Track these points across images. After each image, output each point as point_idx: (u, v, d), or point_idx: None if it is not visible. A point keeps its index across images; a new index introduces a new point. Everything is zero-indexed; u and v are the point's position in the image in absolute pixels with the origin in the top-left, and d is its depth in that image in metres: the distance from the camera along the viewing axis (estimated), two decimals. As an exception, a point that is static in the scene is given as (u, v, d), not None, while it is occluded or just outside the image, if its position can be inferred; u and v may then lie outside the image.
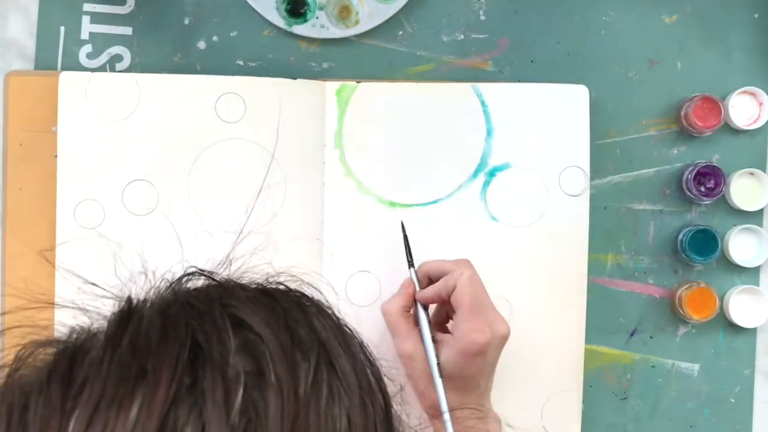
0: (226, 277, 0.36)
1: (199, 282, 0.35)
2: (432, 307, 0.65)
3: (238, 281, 0.36)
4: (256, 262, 0.38)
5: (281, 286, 0.36)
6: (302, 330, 0.32)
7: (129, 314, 0.32)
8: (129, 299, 0.34)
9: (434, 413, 0.60)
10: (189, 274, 0.35)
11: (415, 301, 0.64)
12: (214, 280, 0.35)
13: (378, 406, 0.33)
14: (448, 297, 0.62)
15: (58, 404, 0.29)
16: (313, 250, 0.70)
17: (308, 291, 0.36)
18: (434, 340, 0.61)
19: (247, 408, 0.28)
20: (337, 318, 0.35)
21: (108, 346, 0.30)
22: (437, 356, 0.60)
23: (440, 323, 0.65)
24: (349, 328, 0.35)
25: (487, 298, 0.62)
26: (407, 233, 0.67)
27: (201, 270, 0.35)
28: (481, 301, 0.61)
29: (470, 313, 0.60)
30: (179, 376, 0.29)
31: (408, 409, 0.36)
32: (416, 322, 0.63)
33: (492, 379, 0.62)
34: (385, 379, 0.35)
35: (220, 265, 0.38)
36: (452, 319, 0.62)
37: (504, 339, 0.61)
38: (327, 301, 0.35)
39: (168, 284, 0.35)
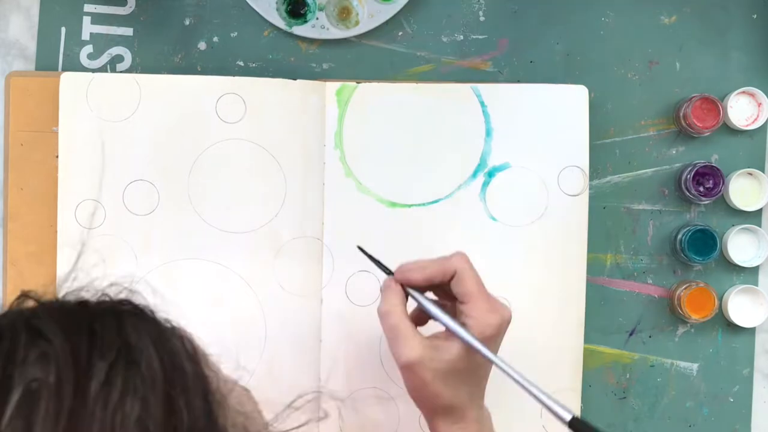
0: (67, 294, 0.38)
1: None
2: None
3: (67, 299, 0.37)
4: (96, 275, 0.39)
5: (106, 298, 0.37)
6: (107, 333, 0.34)
7: None
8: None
9: (437, 411, 0.56)
10: (20, 297, 0.36)
11: (406, 294, 0.58)
12: (37, 301, 0.36)
13: (196, 398, 0.34)
14: (441, 281, 0.57)
15: None
16: (313, 250, 0.70)
17: (137, 298, 0.37)
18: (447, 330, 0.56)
19: (20, 413, 0.30)
20: (154, 317, 0.36)
21: None
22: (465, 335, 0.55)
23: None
24: (171, 325, 0.36)
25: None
26: (369, 253, 0.61)
27: (26, 293, 0.36)
28: (484, 285, 0.57)
29: (481, 295, 0.55)
30: None
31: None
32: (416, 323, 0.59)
33: (488, 374, 0.59)
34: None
35: (63, 281, 0.39)
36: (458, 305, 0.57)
37: (509, 322, 0.57)
38: (149, 304, 0.37)
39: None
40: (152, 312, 0.36)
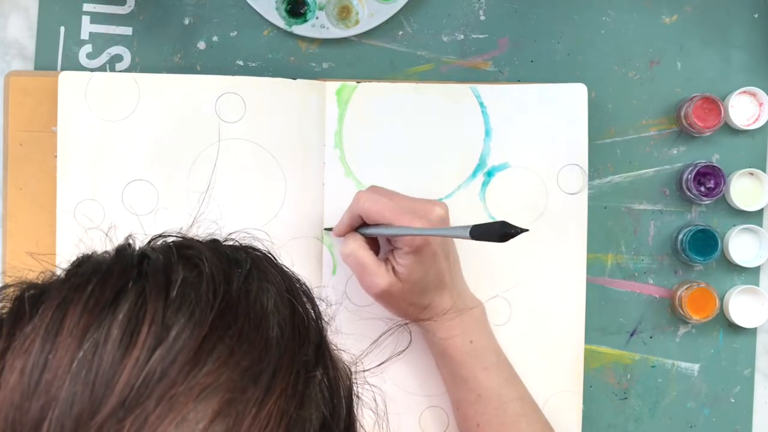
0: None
1: None
2: None
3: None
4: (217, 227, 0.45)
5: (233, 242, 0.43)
6: (239, 255, 0.40)
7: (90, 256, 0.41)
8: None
9: (418, 312, 0.63)
10: (156, 237, 0.42)
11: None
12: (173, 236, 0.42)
13: (312, 310, 0.41)
14: (362, 224, 0.64)
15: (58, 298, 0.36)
16: (313, 250, 0.70)
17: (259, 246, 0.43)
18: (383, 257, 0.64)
19: (185, 290, 0.35)
20: (274, 259, 0.42)
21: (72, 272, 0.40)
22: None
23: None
24: (286, 269, 0.42)
25: (409, 200, 0.64)
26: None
27: (163, 234, 0.42)
28: (401, 202, 0.63)
29: (399, 212, 0.61)
30: (126, 271, 0.37)
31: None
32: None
33: (459, 273, 0.65)
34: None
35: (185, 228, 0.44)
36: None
37: (443, 219, 0.63)
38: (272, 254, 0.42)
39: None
40: (269, 253, 0.42)
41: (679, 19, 0.73)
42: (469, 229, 0.54)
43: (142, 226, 0.69)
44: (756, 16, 0.73)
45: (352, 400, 0.42)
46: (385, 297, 0.63)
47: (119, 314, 0.34)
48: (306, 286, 0.42)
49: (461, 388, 0.64)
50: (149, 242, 0.41)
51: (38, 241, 0.69)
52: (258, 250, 0.42)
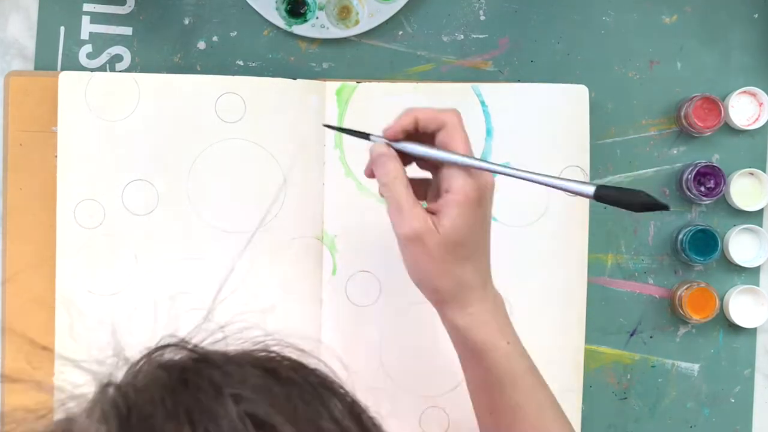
0: (208, 346, 0.35)
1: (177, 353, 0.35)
2: None
3: (227, 353, 0.35)
4: (236, 321, 0.38)
5: (279, 358, 0.35)
6: (324, 423, 0.33)
7: (127, 409, 0.31)
8: (113, 385, 0.33)
9: (444, 296, 0.54)
10: (165, 346, 0.34)
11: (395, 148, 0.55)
12: (198, 353, 0.34)
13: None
14: (428, 129, 0.54)
15: None
16: (313, 250, 0.70)
17: (309, 361, 0.35)
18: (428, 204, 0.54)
19: None
20: (352, 399, 0.35)
21: None
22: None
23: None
24: (362, 407, 0.35)
25: None
26: (338, 126, 0.62)
27: (181, 342, 0.34)
28: (471, 148, 0.54)
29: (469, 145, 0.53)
30: None
31: None
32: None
33: (489, 249, 0.56)
34: None
35: (197, 328, 0.37)
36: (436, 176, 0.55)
37: (493, 188, 0.54)
38: (334, 374, 0.35)
39: (146, 355, 0.34)
40: (343, 389, 0.35)
41: (679, 19, 0.73)
42: (594, 188, 0.48)
43: (142, 226, 0.69)
44: (756, 16, 0.73)
45: None
46: (415, 246, 0.53)
47: None
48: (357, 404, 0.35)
49: (495, 394, 0.56)
50: (189, 384, 0.32)
51: (38, 241, 0.69)
52: (316, 371, 0.35)
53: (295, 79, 0.70)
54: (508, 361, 0.55)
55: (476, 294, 0.54)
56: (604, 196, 0.49)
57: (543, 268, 0.70)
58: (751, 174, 0.71)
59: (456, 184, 0.52)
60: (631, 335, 0.72)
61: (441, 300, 0.55)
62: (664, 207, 0.48)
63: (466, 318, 0.54)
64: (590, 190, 0.49)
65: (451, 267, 0.53)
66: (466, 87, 0.71)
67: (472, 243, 0.53)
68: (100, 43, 0.72)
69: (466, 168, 0.52)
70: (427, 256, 0.53)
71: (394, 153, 0.54)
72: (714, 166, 0.70)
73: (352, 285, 0.70)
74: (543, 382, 0.57)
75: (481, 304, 0.54)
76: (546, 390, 0.57)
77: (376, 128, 0.72)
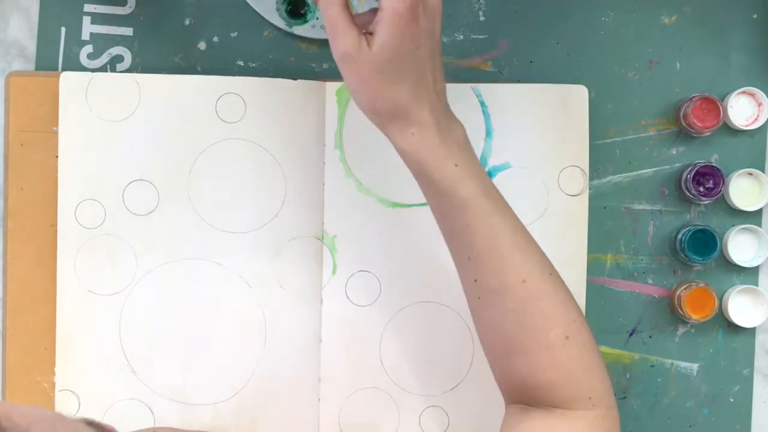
0: None
1: None
2: None
3: None
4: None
5: None
6: None
7: None
8: None
9: (383, 119, 0.55)
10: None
11: None
12: None
13: None
14: None
15: None
16: (313, 250, 0.70)
17: None
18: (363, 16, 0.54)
19: None
20: None
21: None
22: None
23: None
24: None
25: None
26: None
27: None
28: None
29: None
30: None
31: None
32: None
33: (442, 86, 0.56)
34: None
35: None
36: None
37: (437, 9, 0.54)
38: None
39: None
40: None
41: (679, 19, 0.73)
42: None
43: (143, 226, 0.69)
44: (755, 16, 0.73)
45: None
46: (348, 67, 0.53)
47: None
48: None
49: (448, 218, 0.56)
50: None
51: (39, 241, 0.70)
52: None
53: (295, 79, 0.70)
54: (455, 182, 0.54)
55: (416, 116, 0.54)
56: None
57: (542, 268, 0.70)
58: (750, 174, 0.71)
59: (384, 1, 0.52)
60: (631, 335, 0.73)
61: (381, 123, 0.55)
62: None
63: (408, 139, 0.55)
64: None
65: (385, 87, 0.53)
66: (465, 87, 0.71)
67: (407, 62, 0.53)
68: (100, 43, 0.72)
69: None
70: (358, 77, 0.53)
71: None
72: (713, 166, 0.70)
73: (352, 285, 0.70)
74: (503, 210, 0.56)
75: (424, 127, 0.54)
76: (505, 217, 0.56)
77: (375, 129, 0.72)
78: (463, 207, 0.55)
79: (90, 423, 0.36)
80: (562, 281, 0.57)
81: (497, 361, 0.58)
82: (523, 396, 0.57)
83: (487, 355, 0.59)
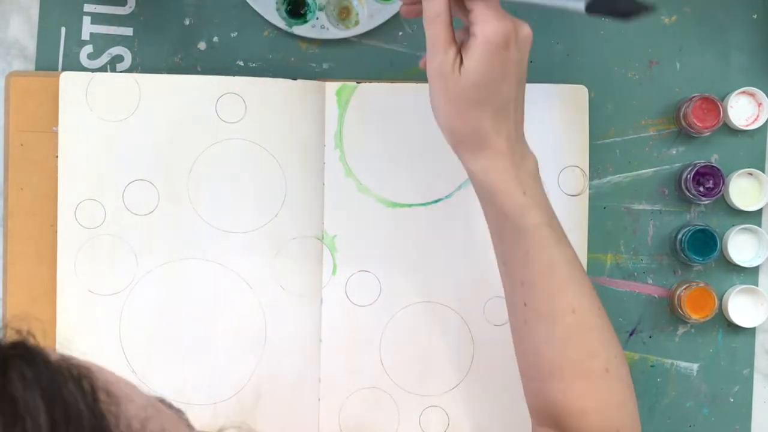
0: None
1: None
2: None
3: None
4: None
5: None
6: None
7: None
8: None
9: (459, 138, 0.56)
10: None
11: None
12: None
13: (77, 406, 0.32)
14: None
15: None
16: (313, 250, 0.70)
17: (31, 340, 0.34)
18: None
19: None
20: (47, 361, 0.33)
21: None
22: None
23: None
24: (68, 364, 0.33)
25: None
26: None
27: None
28: None
29: (492, 2, 0.53)
30: None
31: None
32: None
33: (521, 116, 0.57)
34: None
35: None
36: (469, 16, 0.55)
37: (528, 40, 0.55)
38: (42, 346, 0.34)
39: None
40: (46, 355, 0.33)
41: (679, 19, 0.73)
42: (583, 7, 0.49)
43: (143, 226, 0.69)
44: (755, 16, 0.73)
45: None
46: (437, 84, 0.54)
47: None
48: (86, 375, 0.33)
49: (507, 243, 0.57)
50: None
51: (39, 241, 0.70)
52: (25, 346, 0.33)
53: (295, 79, 0.70)
54: (520, 209, 0.55)
55: (492, 142, 0.55)
56: (594, 5, 0.51)
57: (542, 268, 0.70)
58: (750, 174, 0.71)
59: (479, 28, 0.53)
60: (631, 335, 0.73)
61: (455, 142, 0.56)
62: (646, 8, 0.49)
63: (479, 162, 0.55)
64: (581, 4, 0.51)
65: (468, 110, 0.54)
66: (465, 87, 0.71)
67: (492, 89, 0.54)
68: (100, 43, 0.72)
69: (493, 11, 0.53)
70: (445, 96, 0.54)
71: None
72: (713, 166, 0.71)
73: (352, 285, 0.70)
74: (563, 242, 0.57)
75: (498, 154, 0.55)
76: (564, 249, 0.57)
77: (376, 128, 0.72)
78: (525, 235, 0.56)
79: (162, 401, 0.37)
80: (608, 318, 0.58)
81: (532, 383, 0.59)
82: (552, 420, 0.58)
83: (522, 375, 0.60)
